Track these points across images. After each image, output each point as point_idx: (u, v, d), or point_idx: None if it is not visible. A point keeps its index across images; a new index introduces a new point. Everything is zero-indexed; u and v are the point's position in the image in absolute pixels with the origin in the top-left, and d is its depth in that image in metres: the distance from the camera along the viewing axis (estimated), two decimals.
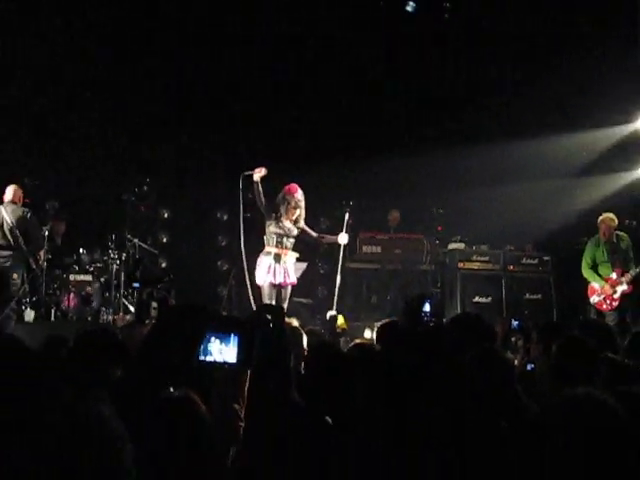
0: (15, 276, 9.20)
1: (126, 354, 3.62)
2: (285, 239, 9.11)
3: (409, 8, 13.04)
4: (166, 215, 12.74)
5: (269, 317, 3.74)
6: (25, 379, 2.62)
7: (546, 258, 12.39)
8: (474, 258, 12.27)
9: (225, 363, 2.72)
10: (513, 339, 6.07)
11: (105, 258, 10.90)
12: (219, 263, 12.58)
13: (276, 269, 9.01)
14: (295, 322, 5.43)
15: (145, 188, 12.34)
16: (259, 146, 12.72)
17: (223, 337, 2.71)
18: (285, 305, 9.05)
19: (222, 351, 2.71)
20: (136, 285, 8.94)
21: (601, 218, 10.25)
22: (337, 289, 9.78)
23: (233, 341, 2.71)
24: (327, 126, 12.81)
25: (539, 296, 12.18)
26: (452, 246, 12.42)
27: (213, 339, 2.71)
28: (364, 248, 12.29)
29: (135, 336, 4.04)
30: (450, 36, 12.67)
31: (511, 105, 12.02)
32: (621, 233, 10.23)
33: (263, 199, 9.01)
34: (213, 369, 2.75)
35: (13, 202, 9.71)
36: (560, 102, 11.83)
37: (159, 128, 12.36)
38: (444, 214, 12.99)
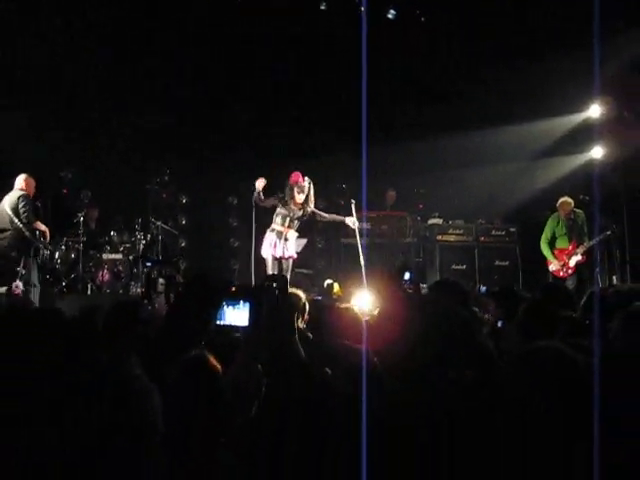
0: (13, 253, 8.82)
1: (152, 321, 3.62)
2: (289, 220, 9.11)
3: (390, 15, 12.96)
4: (185, 200, 12.72)
5: (274, 285, 3.75)
6: (66, 346, 2.61)
7: (512, 229, 12.45)
8: (450, 231, 12.34)
9: (238, 326, 2.72)
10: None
11: (133, 239, 10.94)
12: (231, 240, 12.57)
13: (277, 244, 9.02)
14: (300, 292, 5.42)
15: (166, 178, 12.30)
16: (261, 137, 12.72)
17: (235, 304, 2.71)
18: (287, 275, 9.07)
19: (235, 316, 2.71)
20: (148, 264, 8.94)
21: (560, 201, 10.34)
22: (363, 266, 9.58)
23: (244, 307, 2.71)
24: (325, 115, 12.74)
25: (507, 263, 12.23)
26: (431, 221, 12.50)
27: (227, 306, 2.71)
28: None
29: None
30: (425, 35, 12.62)
31: (482, 98, 11.97)
32: (577, 210, 10.29)
33: (267, 204, 9.03)
34: (228, 332, 2.74)
35: (20, 189, 9.09)
36: (522, 95, 11.79)
37: (179, 126, 12.32)
38: (425, 193, 13.04)
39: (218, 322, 2.72)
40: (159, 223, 11.33)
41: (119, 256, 10.71)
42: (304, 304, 5.32)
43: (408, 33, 12.46)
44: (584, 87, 11.28)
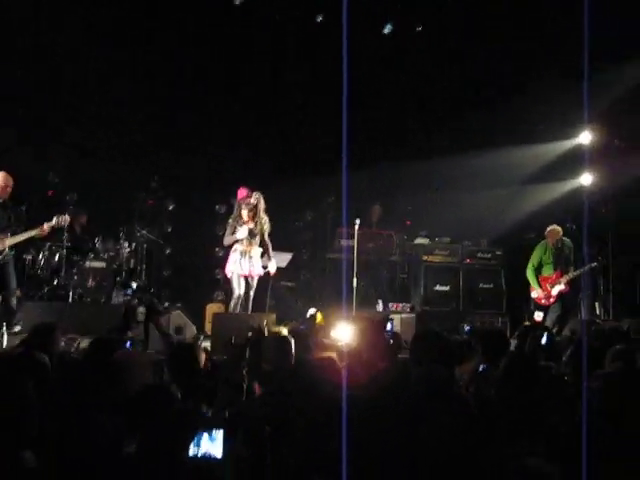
0: None
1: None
2: (250, 238, 8.99)
3: (386, 30, 12.90)
4: (171, 207, 12.58)
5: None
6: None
7: (498, 252, 12.43)
8: (436, 252, 12.33)
9: (212, 457, 2.62)
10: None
11: (117, 247, 10.82)
12: (216, 249, 12.44)
13: (242, 262, 8.93)
14: (284, 331, 5.39)
15: (154, 184, 12.17)
16: (248, 152, 12.66)
17: (210, 431, 2.62)
18: (252, 293, 8.99)
19: (210, 445, 2.62)
20: (128, 292, 8.85)
21: (549, 229, 10.34)
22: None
23: (218, 435, 2.62)
24: (315, 134, 12.68)
25: (491, 285, 12.22)
26: (418, 241, 12.48)
27: (202, 433, 2.62)
28: (341, 241, 12.26)
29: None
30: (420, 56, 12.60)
31: (475, 122, 11.99)
32: (565, 239, 10.29)
33: (232, 238, 9.00)
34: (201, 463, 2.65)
35: None
36: (514, 120, 11.82)
37: (165, 133, 12.22)
38: (412, 211, 13.02)
39: (193, 451, 2.62)
40: (144, 232, 11.22)
41: (102, 264, 10.57)
42: (290, 344, 5.28)
43: (403, 50, 12.43)
44: (575, 114, 11.30)
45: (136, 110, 11.99)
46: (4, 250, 8.17)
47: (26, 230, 8.44)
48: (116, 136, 11.98)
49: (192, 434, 2.59)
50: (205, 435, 2.61)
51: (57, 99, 11.38)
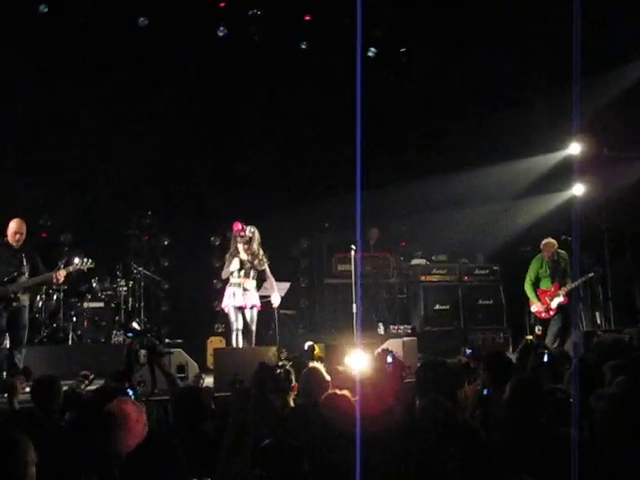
0: None
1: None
2: (243, 270, 8.99)
3: (370, 53, 13.01)
4: (166, 242, 12.59)
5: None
6: None
7: (495, 268, 12.51)
8: (434, 271, 12.38)
9: None
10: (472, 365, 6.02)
11: (114, 286, 10.83)
12: (214, 282, 12.44)
13: (236, 294, 8.91)
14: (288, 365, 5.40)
15: (147, 220, 12.20)
16: (244, 180, 12.71)
17: None
18: (254, 327, 8.98)
19: None
20: (130, 334, 8.80)
21: (544, 243, 10.29)
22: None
23: None
24: (311, 160, 12.77)
25: (491, 301, 12.28)
26: (415, 261, 12.53)
27: None
28: (339, 266, 12.29)
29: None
30: (402, 75, 12.72)
31: (464, 139, 12.08)
32: (561, 251, 10.27)
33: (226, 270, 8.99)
34: None
35: None
36: (503, 135, 11.91)
37: (156, 169, 12.26)
38: (408, 232, 13.02)
39: None
40: (140, 268, 11.23)
41: (100, 304, 10.59)
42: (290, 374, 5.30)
43: (391, 71, 12.55)
44: (564, 125, 11.37)
45: (126, 147, 12.03)
46: (7, 296, 8.03)
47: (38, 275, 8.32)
48: (107, 175, 12.01)
49: None
50: None
51: (45, 139, 11.41)
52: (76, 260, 8.60)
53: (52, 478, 2.85)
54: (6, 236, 8.28)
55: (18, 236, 8.25)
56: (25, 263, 8.23)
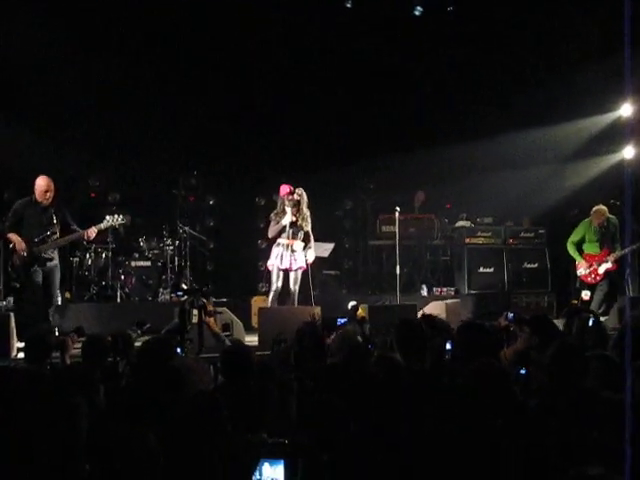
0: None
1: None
2: (291, 232, 9.03)
3: (417, 12, 12.84)
4: (211, 202, 12.74)
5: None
6: None
7: (541, 231, 12.39)
8: (478, 234, 12.29)
9: None
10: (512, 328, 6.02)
11: (161, 245, 11.02)
12: (259, 241, 12.57)
13: (283, 256, 8.97)
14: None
15: (193, 181, 12.35)
16: (290, 139, 12.72)
17: (272, 461, 2.68)
18: (297, 287, 9.05)
19: (272, 473, 2.68)
20: (179, 293, 8.92)
21: (595, 210, 10.07)
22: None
23: (279, 465, 2.68)
24: (357, 119, 12.71)
25: (536, 265, 12.18)
26: (459, 224, 12.45)
27: (264, 463, 2.68)
28: (383, 228, 12.32)
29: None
30: (451, 36, 12.52)
31: (511, 101, 11.87)
32: (611, 216, 10.08)
33: (275, 229, 9.04)
34: None
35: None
36: (552, 96, 11.69)
37: (202, 129, 12.32)
38: (453, 194, 12.97)
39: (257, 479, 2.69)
40: (187, 228, 11.40)
41: (147, 263, 10.80)
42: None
43: (436, 34, 12.37)
44: (615, 86, 11.11)
45: (173, 109, 12.10)
46: (40, 255, 8.03)
47: (69, 234, 8.28)
48: (154, 135, 12.10)
49: (255, 463, 2.65)
50: (267, 464, 2.68)
51: (93, 100, 11.53)
52: (107, 217, 8.47)
53: (106, 427, 2.97)
54: (33, 194, 8.11)
55: (49, 194, 8.07)
56: (55, 221, 8.13)
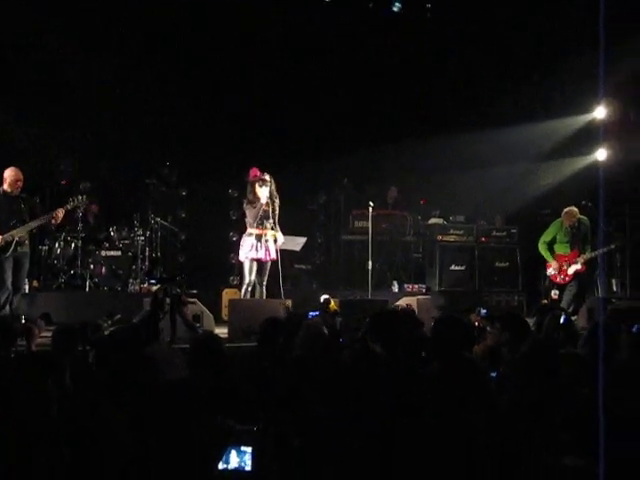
0: None
1: None
2: (264, 220, 8.96)
3: (395, 8, 12.86)
4: (184, 193, 12.63)
5: None
6: None
7: (513, 230, 12.45)
8: (451, 232, 12.32)
9: (242, 471, 2.61)
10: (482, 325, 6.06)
11: (132, 235, 10.91)
12: (230, 234, 12.49)
13: (258, 247, 8.90)
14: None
15: (166, 171, 12.24)
16: (265, 131, 12.64)
17: (239, 448, 2.62)
18: (265, 278, 9.02)
19: (239, 461, 2.62)
20: (152, 281, 8.83)
21: (566, 211, 10.16)
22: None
23: (248, 452, 2.61)
24: (332, 113, 12.67)
25: (507, 264, 12.25)
26: (432, 221, 12.49)
27: (232, 451, 2.62)
28: (356, 223, 12.30)
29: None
30: (425, 33, 12.58)
31: (486, 100, 11.94)
32: (582, 217, 10.17)
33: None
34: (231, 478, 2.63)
35: None
36: (527, 96, 11.79)
37: (175, 119, 12.22)
38: (426, 190, 12.99)
39: (222, 467, 2.62)
40: (158, 219, 11.31)
41: (118, 253, 10.68)
42: None
43: (415, 31, 12.40)
44: (589, 88, 11.23)
45: (145, 97, 11.97)
46: (13, 241, 8.01)
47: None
48: (127, 124, 11.97)
49: (221, 450, 2.59)
50: (234, 451, 2.62)
51: (66, 87, 11.37)
52: (71, 199, 8.63)
53: (78, 413, 2.92)
54: (2, 185, 8.19)
55: (19, 183, 8.18)
56: (25, 210, 8.20)
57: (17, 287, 8.17)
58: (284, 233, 9.24)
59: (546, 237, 10.32)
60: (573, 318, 8.11)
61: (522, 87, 11.76)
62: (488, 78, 12.17)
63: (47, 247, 10.44)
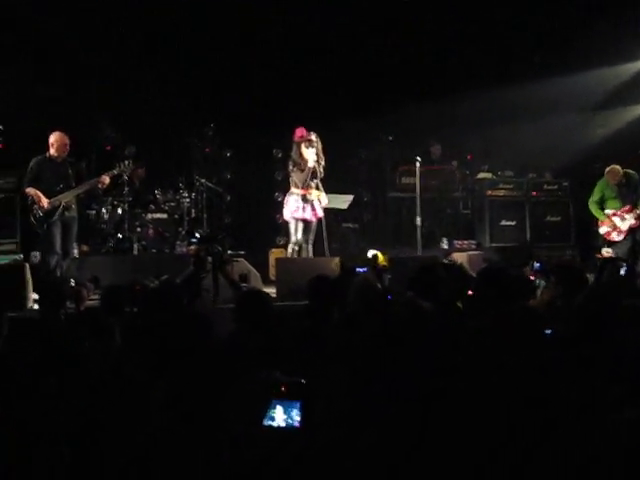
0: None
1: None
2: (307, 180, 8.82)
3: None
4: (228, 154, 12.56)
5: None
6: None
7: (565, 183, 12.16)
8: (500, 186, 12.07)
9: (289, 427, 2.48)
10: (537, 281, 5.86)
11: (177, 197, 10.92)
12: (276, 194, 12.41)
13: (304, 207, 8.80)
14: None
15: (210, 132, 12.17)
16: (303, 94, 12.44)
17: (285, 403, 2.49)
18: (312, 237, 8.90)
19: (286, 417, 2.49)
20: (194, 240, 8.83)
21: (607, 170, 9.87)
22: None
23: (294, 406, 2.48)
24: (369, 66, 12.41)
25: (559, 218, 11.98)
26: (481, 175, 12.22)
27: (277, 406, 2.49)
28: (403, 179, 12.10)
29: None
30: None
31: (535, 48, 11.55)
32: (630, 172, 9.84)
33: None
34: (277, 435, 2.51)
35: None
36: (577, 44, 11.32)
37: (218, 79, 12.11)
38: (475, 146, 12.71)
39: (267, 423, 2.48)
40: (203, 180, 11.29)
41: (164, 215, 10.71)
42: None
43: None
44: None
45: (188, 58, 11.89)
46: (60, 205, 8.07)
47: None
48: (170, 87, 11.89)
49: (267, 405, 2.48)
50: (279, 406, 2.48)
51: (108, 52, 11.34)
52: (117, 164, 8.76)
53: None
54: (48, 150, 8.22)
55: (67, 147, 8.23)
56: (72, 175, 8.24)
57: (66, 251, 8.25)
58: (327, 190, 9.11)
59: (594, 197, 10.05)
60: None
61: (572, 34, 11.28)
62: (535, 26, 11.73)
63: (95, 212, 10.48)
